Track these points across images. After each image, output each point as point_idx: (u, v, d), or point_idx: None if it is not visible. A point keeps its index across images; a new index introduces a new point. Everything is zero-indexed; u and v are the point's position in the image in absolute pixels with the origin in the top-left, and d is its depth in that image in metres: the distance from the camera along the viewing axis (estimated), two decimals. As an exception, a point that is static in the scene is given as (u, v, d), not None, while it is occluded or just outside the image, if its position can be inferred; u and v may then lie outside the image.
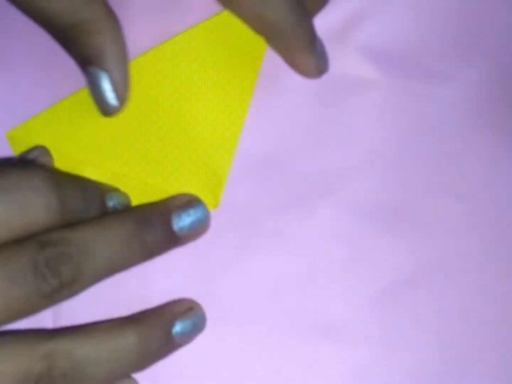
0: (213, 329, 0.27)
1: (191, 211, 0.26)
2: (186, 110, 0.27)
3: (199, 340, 0.26)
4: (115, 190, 0.27)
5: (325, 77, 0.28)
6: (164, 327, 0.25)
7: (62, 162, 0.27)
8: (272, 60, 0.28)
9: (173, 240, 0.25)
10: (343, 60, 0.29)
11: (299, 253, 0.28)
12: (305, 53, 0.25)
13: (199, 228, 0.26)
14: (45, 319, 0.26)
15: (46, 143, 0.26)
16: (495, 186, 0.28)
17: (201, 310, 0.26)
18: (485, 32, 0.29)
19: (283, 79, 0.28)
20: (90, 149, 0.27)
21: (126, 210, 0.26)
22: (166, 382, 0.27)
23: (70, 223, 0.24)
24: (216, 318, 0.27)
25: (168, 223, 0.25)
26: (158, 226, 0.25)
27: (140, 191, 0.27)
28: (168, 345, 0.25)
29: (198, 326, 0.26)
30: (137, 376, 0.26)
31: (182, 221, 0.25)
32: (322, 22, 0.28)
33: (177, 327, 0.25)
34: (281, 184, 0.28)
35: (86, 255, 0.23)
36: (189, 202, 0.26)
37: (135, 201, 0.27)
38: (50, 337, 0.23)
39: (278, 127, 0.28)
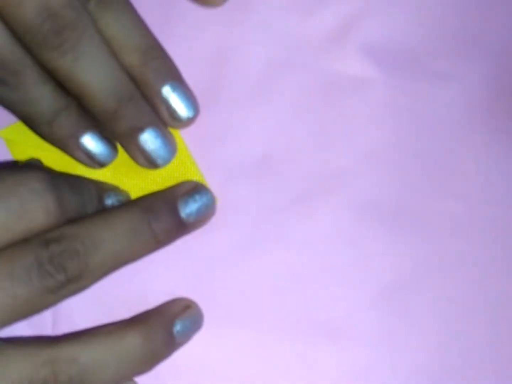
0: (213, 329, 0.27)
1: (197, 197, 0.26)
2: None
3: (199, 340, 0.26)
4: (113, 188, 0.27)
5: (325, 76, 0.28)
6: (166, 327, 0.25)
7: (56, 160, 0.27)
8: (272, 60, 0.28)
9: (181, 227, 0.25)
10: (343, 60, 0.28)
11: (299, 253, 0.28)
12: None
13: (206, 214, 0.26)
14: (45, 319, 0.26)
15: (39, 142, 0.26)
16: (494, 186, 0.28)
17: (198, 308, 0.26)
18: (485, 31, 0.29)
19: (282, 78, 0.28)
20: None
21: (131, 201, 0.26)
22: (166, 382, 0.27)
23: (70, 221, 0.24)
24: (216, 318, 0.27)
25: (175, 211, 0.25)
26: (164, 214, 0.25)
27: (132, 189, 0.27)
28: (170, 344, 0.25)
29: (196, 323, 0.26)
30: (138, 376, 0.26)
31: (189, 208, 0.25)
32: (322, 22, 0.28)
33: (178, 326, 0.25)
34: (281, 184, 0.28)
35: (92, 248, 0.23)
36: (194, 188, 0.26)
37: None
38: (54, 343, 0.23)
39: (277, 127, 0.28)
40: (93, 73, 0.24)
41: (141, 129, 0.25)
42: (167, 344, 0.25)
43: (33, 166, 0.26)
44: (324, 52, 0.28)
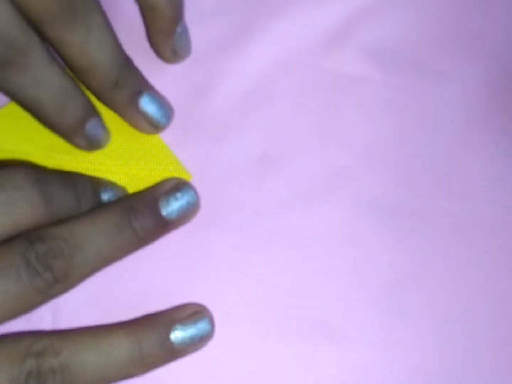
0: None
1: (179, 195, 0.26)
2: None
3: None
4: (109, 183, 0.27)
5: (325, 76, 0.28)
6: (160, 331, 0.24)
7: (37, 152, 0.27)
8: (272, 60, 0.28)
9: (163, 225, 0.25)
10: (343, 60, 0.29)
11: (299, 253, 0.28)
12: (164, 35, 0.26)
13: (189, 211, 0.26)
14: (44, 318, 0.26)
15: (27, 130, 0.27)
16: (494, 185, 0.28)
17: (208, 315, 0.26)
18: (485, 31, 0.29)
19: (282, 78, 0.28)
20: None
21: (113, 201, 0.26)
22: (166, 382, 0.26)
23: (60, 219, 0.24)
24: (216, 318, 0.27)
25: (155, 209, 0.25)
26: (146, 213, 0.25)
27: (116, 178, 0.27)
28: (167, 350, 0.24)
29: (204, 331, 0.25)
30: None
31: (170, 206, 0.25)
32: (322, 22, 0.28)
33: (177, 332, 0.25)
34: (280, 183, 0.28)
35: (76, 248, 0.23)
36: (176, 186, 0.26)
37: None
38: (39, 337, 0.23)
39: (277, 127, 0.28)
40: (103, 45, 0.24)
41: (140, 93, 0.26)
42: (162, 350, 0.24)
43: (19, 162, 0.26)
44: (324, 52, 0.29)
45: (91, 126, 0.26)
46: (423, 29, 0.29)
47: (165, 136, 0.28)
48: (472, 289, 0.28)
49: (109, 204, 0.26)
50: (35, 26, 0.23)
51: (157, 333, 0.24)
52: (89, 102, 0.26)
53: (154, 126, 0.27)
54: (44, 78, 0.24)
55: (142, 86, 0.26)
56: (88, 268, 0.24)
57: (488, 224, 0.28)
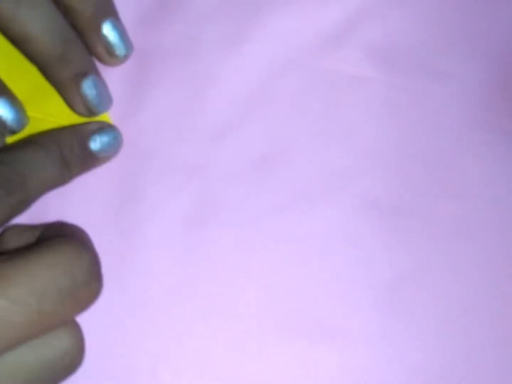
0: (213, 329, 0.27)
1: (104, 133, 0.27)
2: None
3: (199, 340, 0.26)
4: (97, 129, 0.27)
5: (325, 76, 0.28)
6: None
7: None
8: (272, 60, 0.28)
9: (90, 159, 0.26)
10: (343, 59, 0.28)
11: (299, 253, 0.28)
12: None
13: (113, 147, 0.27)
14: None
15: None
16: (494, 185, 0.28)
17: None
18: (485, 30, 0.29)
19: (282, 78, 0.28)
20: None
21: (47, 134, 0.26)
22: (166, 382, 0.27)
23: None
24: (216, 318, 0.27)
25: (85, 143, 0.26)
26: (76, 146, 0.26)
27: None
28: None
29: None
30: (135, 375, 0.26)
31: (98, 142, 0.27)
32: (322, 21, 0.28)
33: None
34: (280, 183, 0.28)
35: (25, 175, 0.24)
36: (101, 126, 0.27)
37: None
38: None
39: (277, 127, 0.28)
40: (37, 16, 0.24)
41: (85, 75, 0.26)
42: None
43: None
44: (324, 52, 0.28)
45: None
46: (424, 29, 0.29)
47: (165, 136, 0.28)
48: (473, 289, 0.28)
49: (43, 136, 0.26)
50: None
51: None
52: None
53: (90, 111, 0.27)
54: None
55: (88, 67, 0.26)
56: (35, 195, 0.24)
57: (488, 224, 0.28)
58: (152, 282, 0.27)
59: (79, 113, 0.27)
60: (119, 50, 0.26)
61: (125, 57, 0.27)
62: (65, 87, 0.26)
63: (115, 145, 0.27)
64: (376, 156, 0.28)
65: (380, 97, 0.28)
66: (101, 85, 0.26)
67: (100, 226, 0.27)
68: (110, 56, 0.26)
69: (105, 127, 0.27)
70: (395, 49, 0.29)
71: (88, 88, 0.26)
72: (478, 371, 0.27)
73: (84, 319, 0.26)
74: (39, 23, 0.24)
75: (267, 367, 0.27)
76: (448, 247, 0.28)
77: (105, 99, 0.27)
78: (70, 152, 0.26)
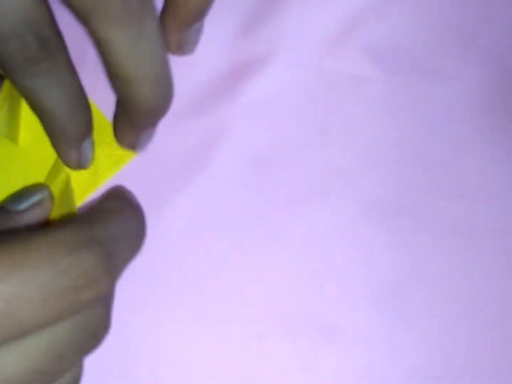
0: (213, 329, 0.27)
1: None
2: None
3: (199, 340, 0.26)
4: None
5: (325, 76, 0.28)
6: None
7: None
8: (272, 59, 0.28)
9: None
10: (343, 59, 0.28)
11: (298, 253, 0.28)
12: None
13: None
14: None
15: None
16: (494, 185, 0.28)
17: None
18: (485, 31, 0.29)
19: (282, 78, 0.28)
20: None
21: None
22: (166, 382, 0.27)
23: None
24: (216, 318, 0.27)
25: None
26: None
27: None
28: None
29: None
30: (135, 375, 0.26)
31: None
32: (323, 21, 0.28)
33: None
34: (280, 183, 0.28)
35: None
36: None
37: None
38: (79, 227, 0.20)
39: (277, 126, 0.28)
40: (153, 55, 0.22)
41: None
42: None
43: None
44: (325, 51, 0.29)
45: (87, 144, 0.26)
46: (424, 29, 0.29)
47: (165, 136, 0.28)
48: (472, 289, 0.28)
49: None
50: (81, 21, 0.21)
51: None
52: (91, 120, 0.26)
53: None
54: (65, 82, 0.23)
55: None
56: None
57: (488, 224, 0.28)
58: (153, 282, 0.27)
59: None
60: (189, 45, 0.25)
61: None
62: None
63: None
64: (376, 155, 0.28)
65: (380, 96, 0.28)
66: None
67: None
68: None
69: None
70: (395, 49, 0.29)
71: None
72: (478, 371, 0.27)
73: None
74: (152, 64, 0.22)
75: (267, 367, 0.27)
76: (448, 247, 0.28)
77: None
78: None
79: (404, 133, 0.28)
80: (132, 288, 0.27)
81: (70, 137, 0.25)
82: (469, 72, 0.29)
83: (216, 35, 0.28)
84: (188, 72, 0.28)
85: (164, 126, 0.28)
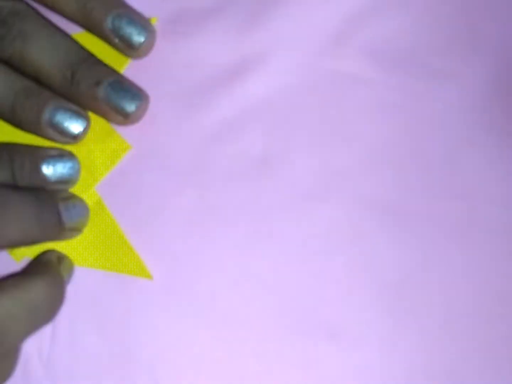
0: (213, 329, 0.27)
1: (60, 161, 0.26)
2: None
3: (199, 340, 0.26)
4: (51, 155, 0.26)
5: (325, 76, 0.28)
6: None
7: None
8: (272, 60, 0.28)
9: (40, 182, 0.26)
10: (343, 59, 0.28)
11: (299, 253, 0.28)
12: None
13: (67, 176, 0.26)
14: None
15: None
16: (494, 185, 0.28)
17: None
18: (485, 31, 0.29)
19: (282, 78, 0.28)
20: None
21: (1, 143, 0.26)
22: (166, 382, 0.27)
23: None
24: (216, 318, 0.27)
25: (37, 164, 0.26)
26: (27, 164, 0.25)
27: None
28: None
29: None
30: (135, 375, 0.26)
31: (52, 168, 0.26)
32: (323, 21, 0.28)
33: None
34: (281, 183, 0.28)
35: None
36: (61, 154, 0.26)
37: None
38: None
39: (277, 126, 0.28)
40: (42, 51, 0.25)
41: (98, 83, 0.25)
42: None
43: None
44: (324, 52, 0.28)
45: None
46: (423, 29, 0.29)
47: (165, 136, 0.28)
48: (473, 289, 0.28)
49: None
50: None
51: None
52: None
53: (122, 115, 0.26)
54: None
55: (101, 76, 0.26)
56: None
57: (489, 224, 0.28)
58: (152, 281, 0.27)
59: (117, 122, 0.27)
60: (134, 38, 0.26)
61: (148, 43, 0.26)
62: (85, 103, 0.26)
63: (70, 175, 0.26)
64: (376, 156, 0.28)
65: (380, 97, 0.28)
66: (121, 85, 0.26)
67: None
68: (130, 47, 0.26)
69: (64, 155, 0.26)
70: (395, 49, 0.29)
71: (105, 93, 0.26)
72: (479, 371, 0.27)
73: (84, 319, 0.26)
74: (45, 57, 0.25)
75: (268, 367, 0.27)
76: (448, 247, 0.28)
77: (130, 96, 0.26)
78: (20, 168, 0.25)
79: (403, 133, 0.28)
80: (132, 288, 0.27)
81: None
82: (469, 71, 0.29)
83: (215, 35, 0.28)
84: (187, 71, 0.28)
85: (163, 125, 0.28)
